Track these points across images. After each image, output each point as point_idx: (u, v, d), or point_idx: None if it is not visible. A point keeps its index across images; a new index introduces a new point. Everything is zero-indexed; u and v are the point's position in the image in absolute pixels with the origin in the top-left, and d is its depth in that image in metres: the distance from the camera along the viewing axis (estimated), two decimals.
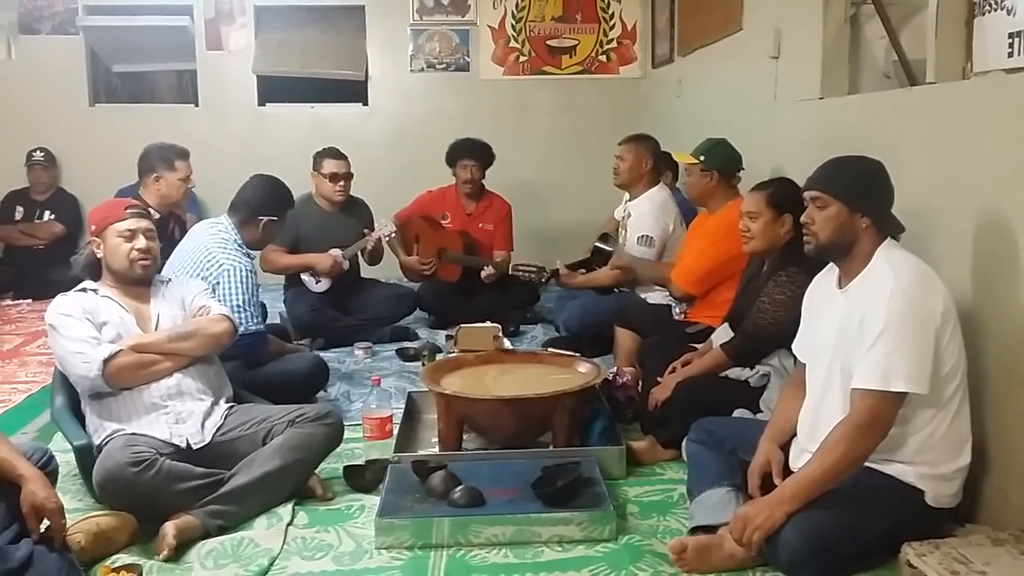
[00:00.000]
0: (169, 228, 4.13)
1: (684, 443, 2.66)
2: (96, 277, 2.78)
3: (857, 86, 3.38)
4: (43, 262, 5.61)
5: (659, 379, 3.03)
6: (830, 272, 2.33)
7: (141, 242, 2.72)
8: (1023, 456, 2.18)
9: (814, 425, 2.23)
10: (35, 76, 6.34)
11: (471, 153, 4.96)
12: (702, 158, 3.50)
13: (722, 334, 3.00)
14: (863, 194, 2.19)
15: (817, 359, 2.29)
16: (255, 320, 3.29)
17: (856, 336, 2.10)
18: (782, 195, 2.81)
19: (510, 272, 4.62)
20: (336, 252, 4.49)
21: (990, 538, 2.02)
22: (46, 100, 6.34)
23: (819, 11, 3.37)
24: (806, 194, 2.27)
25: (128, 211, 2.75)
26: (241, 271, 3.24)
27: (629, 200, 4.18)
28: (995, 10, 2.40)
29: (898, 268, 2.11)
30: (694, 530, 2.32)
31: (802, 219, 2.28)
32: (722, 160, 3.51)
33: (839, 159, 2.29)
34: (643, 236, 3.95)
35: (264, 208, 3.46)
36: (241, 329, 3.01)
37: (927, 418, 2.11)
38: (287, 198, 3.59)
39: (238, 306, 3.17)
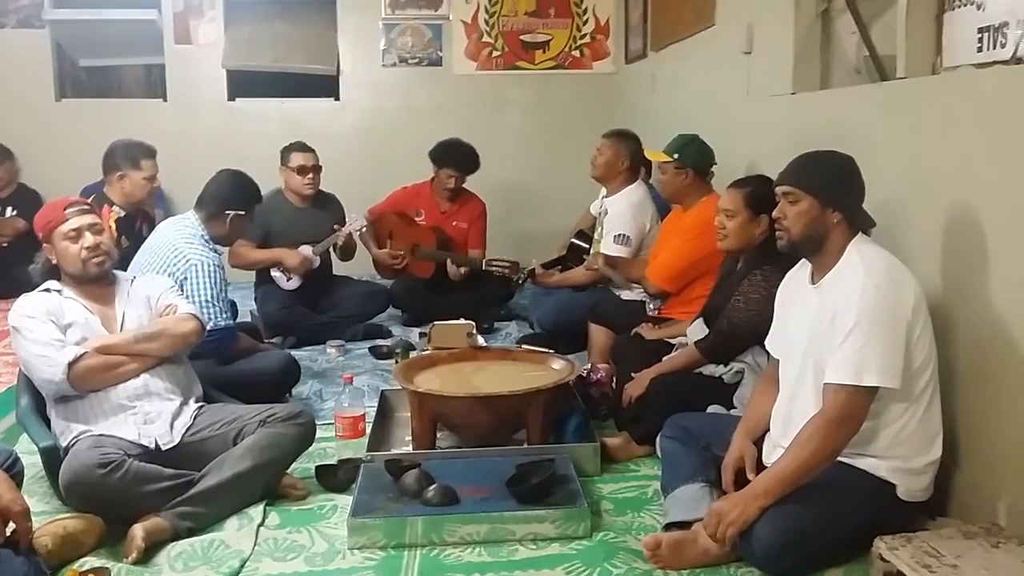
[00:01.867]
0: (137, 225, 4.06)
1: (658, 439, 2.67)
2: (58, 280, 2.73)
3: (829, 81, 3.40)
4: (6, 259, 5.48)
5: (633, 375, 3.02)
6: (802, 268, 2.33)
7: (88, 239, 2.65)
8: (993, 450, 2.20)
9: (787, 420, 2.23)
10: (0, 70, 6.22)
11: (459, 165, 4.87)
12: (676, 156, 3.49)
13: (696, 329, 3.00)
14: (834, 189, 2.20)
15: (790, 355, 2.30)
16: (224, 316, 3.25)
17: (828, 331, 2.11)
18: (760, 195, 2.77)
19: (483, 268, 4.60)
20: (306, 249, 4.45)
21: (961, 531, 2.04)
22: (11, 94, 6.23)
23: (791, 7, 3.38)
24: (777, 189, 2.27)
25: (68, 210, 2.68)
26: (208, 266, 3.20)
27: (606, 196, 4.17)
28: (965, 5, 2.41)
29: (870, 263, 2.12)
30: (668, 526, 2.32)
31: (774, 214, 2.28)
32: (696, 157, 3.50)
33: (810, 154, 2.29)
34: (620, 235, 3.94)
35: (231, 202, 3.42)
36: (209, 325, 2.97)
37: (899, 412, 2.12)
38: (254, 192, 3.55)
39: (206, 301, 3.13)
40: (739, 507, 2.09)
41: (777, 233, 2.27)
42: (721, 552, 2.18)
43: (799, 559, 2.08)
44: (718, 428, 2.49)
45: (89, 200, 3.21)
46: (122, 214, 3.97)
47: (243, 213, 3.47)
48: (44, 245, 2.71)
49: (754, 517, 2.07)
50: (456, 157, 4.90)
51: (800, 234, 2.21)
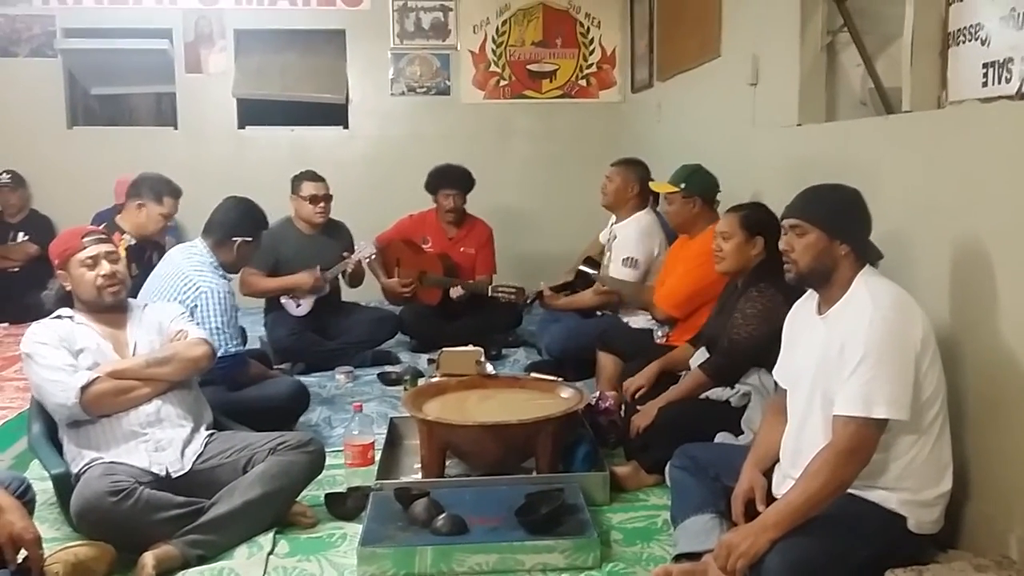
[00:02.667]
0: (147, 254, 4.10)
1: (667, 468, 2.67)
2: (71, 307, 2.75)
3: (834, 113, 3.43)
4: (19, 285, 5.54)
5: (639, 407, 3.04)
6: (809, 299, 2.34)
7: (105, 267, 2.69)
8: (1003, 482, 2.19)
9: (796, 451, 2.23)
10: (12, 98, 6.29)
11: (452, 183, 4.96)
12: (683, 185, 3.53)
13: (699, 359, 3.02)
14: (841, 221, 2.22)
15: (798, 385, 2.30)
16: (234, 342, 3.27)
17: (836, 363, 2.11)
18: (755, 218, 2.92)
19: (490, 294, 4.62)
20: (316, 271, 4.48)
21: (972, 564, 2.03)
22: (23, 122, 6.29)
23: (796, 39, 3.42)
24: (784, 222, 2.29)
25: (86, 239, 2.72)
26: (218, 293, 3.23)
27: (615, 223, 4.20)
28: (969, 41, 2.44)
29: (877, 295, 2.13)
30: (678, 557, 2.32)
31: (781, 246, 2.29)
32: (703, 185, 3.55)
33: (817, 187, 2.31)
34: (628, 258, 3.96)
35: (238, 229, 3.45)
36: (220, 352, 2.99)
37: (908, 444, 2.12)
38: (260, 219, 3.59)
39: (216, 328, 3.15)
40: (749, 539, 2.08)
41: (785, 266, 2.29)
42: None
43: None
44: (728, 458, 2.49)
45: (103, 228, 3.24)
46: (132, 242, 4.00)
47: (250, 240, 3.50)
48: (59, 272, 2.73)
49: (764, 549, 2.06)
50: (449, 177, 4.97)
51: (808, 266, 2.22)
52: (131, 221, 4.06)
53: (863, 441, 2.06)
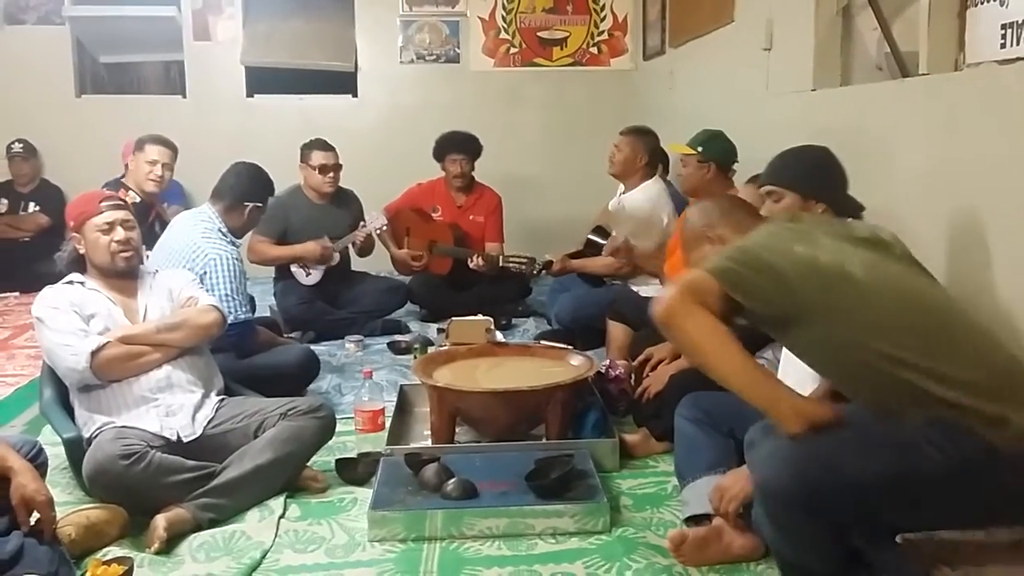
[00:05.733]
0: (149, 219, 4.15)
1: (675, 418, 2.57)
2: (82, 271, 2.76)
3: (849, 78, 3.38)
4: (30, 254, 5.56)
5: (650, 373, 3.02)
6: None
7: (120, 233, 2.69)
8: None
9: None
10: (20, 67, 6.27)
11: (459, 147, 4.94)
12: (699, 148, 3.49)
13: None
14: (812, 181, 2.28)
15: None
16: (243, 310, 3.28)
17: None
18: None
19: (501, 264, 4.61)
20: (326, 241, 4.47)
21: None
22: (32, 91, 6.29)
23: (811, 3, 3.36)
24: (761, 190, 2.36)
25: (103, 203, 2.72)
26: (228, 260, 3.23)
27: (623, 192, 4.17)
28: (988, 1, 2.39)
29: None
30: (688, 520, 2.33)
31: (762, 213, 2.30)
32: (720, 152, 3.50)
33: (787, 151, 2.38)
34: None
35: (250, 194, 3.47)
36: (230, 319, 2.99)
37: None
38: (269, 184, 3.61)
39: (225, 295, 3.16)
40: (739, 482, 2.11)
41: None
42: (744, 548, 2.19)
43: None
44: (741, 411, 2.48)
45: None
46: (137, 199, 4.04)
47: (260, 205, 3.52)
48: (74, 235, 2.74)
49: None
50: (454, 141, 4.95)
51: None
52: (131, 177, 4.20)
53: None
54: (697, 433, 2.45)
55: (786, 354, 2.36)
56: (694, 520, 2.32)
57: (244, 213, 3.45)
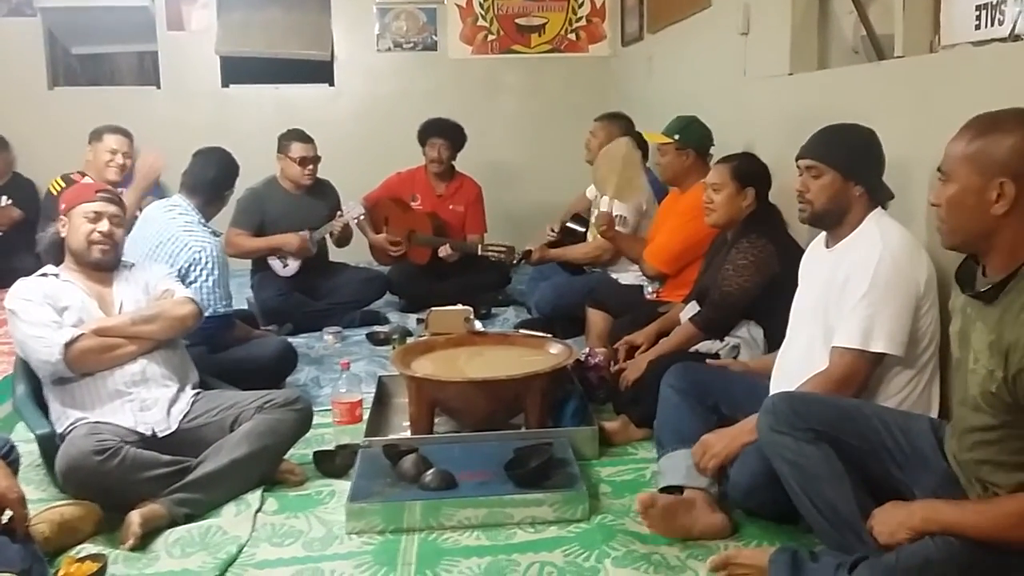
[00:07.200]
0: None
1: (661, 387, 2.58)
2: (59, 260, 2.75)
3: (826, 61, 3.38)
4: (2, 248, 5.48)
5: (627, 361, 3.03)
6: (820, 238, 2.37)
7: (104, 225, 2.69)
8: None
9: (791, 373, 2.25)
10: None
11: (440, 132, 4.91)
12: (676, 136, 3.48)
13: (690, 312, 3.00)
14: (857, 163, 2.24)
15: (801, 316, 2.34)
16: (223, 303, 3.25)
17: (839, 294, 2.16)
18: (746, 169, 2.89)
19: (479, 253, 4.59)
20: (305, 234, 4.44)
21: None
22: (3, 83, 6.17)
23: None
24: (800, 163, 2.31)
25: (98, 194, 2.74)
26: (212, 251, 3.24)
27: None
28: None
29: (888, 234, 2.17)
30: (663, 489, 2.34)
31: (796, 187, 2.31)
32: (697, 137, 3.51)
33: (833, 128, 2.32)
34: (617, 215, 3.92)
35: (226, 182, 3.54)
36: (209, 311, 2.97)
37: (902, 382, 2.16)
38: (236, 165, 3.64)
39: (209, 287, 3.17)
40: (724, 441, 2.17)
41: (800, 206, 2.30)
42: (710, 527, 2.21)
43: (779, 495, 2.04)
44: (729, 386, 2.49)
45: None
46: None
47: (233, 189, 3.61)
48: (62, 217, 2.74)
49: (736, 453, 2.15)
50: (436, 126, 4.93)
51: (823, 207, 2.25)
52: (90, 168, 4.39)
53: (856, 372, 2.11)
54: (681, 404, 2.46)
55: (780, 357, 2.36)
56: (668, 491, 2.33)
57: (223, 201, 3.54)
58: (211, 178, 3.44)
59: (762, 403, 2.05)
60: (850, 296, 2.12)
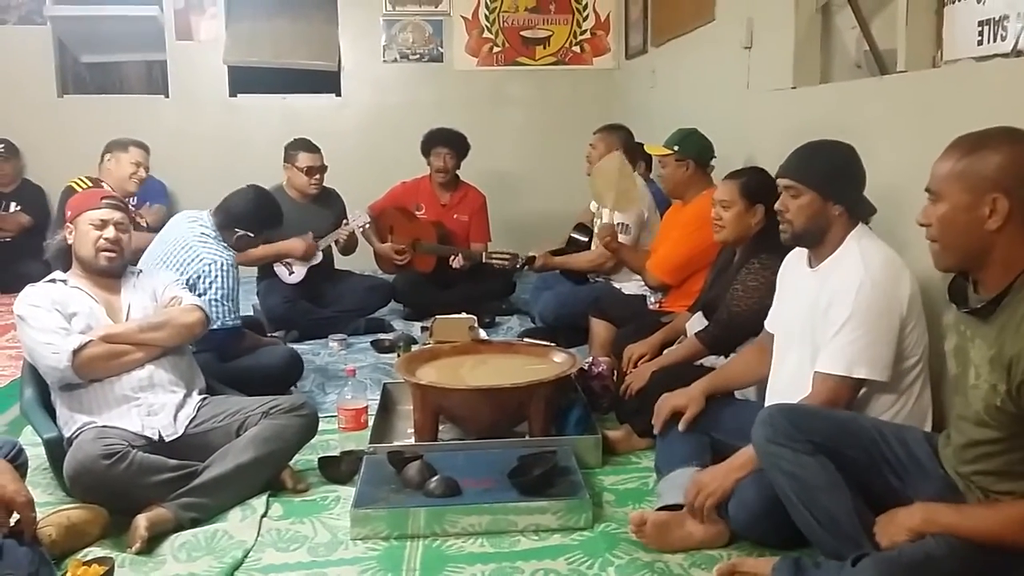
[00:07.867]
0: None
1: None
2: (67, 266, 2.76)
3: (829, 75, 3.40)
4: (11, 254, 5.52)
5: (632, 370, 3.04)
6: (801, 252, 2.36)
7: (110, 232, 2.70)
8: None
9: (780, 396, 2.26)
10: (1, 67, 6.22)
11: (445, 141, 4.95)
12: (676, 148, 3.51)
13: (696, 323, 3.01)
14: (835, 182, 2.22)
15: (788, 334, 2.34)
16: (231, 316, 3.26)
17: (823, 318, 2.17)
18: (755, 185, 2.82)
19: (484, 260, 4.61)
20: (309, 235, 4.46)
21: None
22: (13, 91, 6.23)
23: (791, 1, 3.38)
24: (779, 182, 2.29)
25: (104, 201, 2.75)
26: (222, 265, 3.22)
27: None
28: None
29: (868, 257, 2.15)
30: (660, 509, 2.35)
31: (776, 207, 2.30)
32: (696, 148, 3.52)
33: (811, 146, 2.31)
34: (619, 224, 3.95)
35: (243, 221, 3.41)
36: (218, 324, 2.98)
37: (888, 403, 2.16)
38: (270, 218, 3.55)
39: (215, 300, 3.15)
40: (717, 479, 2.15)
41: (780, 226, 2.30)
42: (705, 536, 2.22)
43: (781, 524, 2.05)
44: (717, 414, 2.50)
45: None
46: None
47: (252, 236, 3.46)
48: (67, 224, 2.75)
49: (730, 490, 2.14)
50: (442, 136, 4.96)
51: (803, 227, 2.24)
52: (110, 178, 4.32)
53: (839, 398, 2.12)
54: (674, 430, 2.49)
55: (772, 378, 2.38)
56: (667, 510, 2.33)
57: (232, 238, 3.39)
58: (230, 206, 3.42)
59: (750, 429, 2.06)
60: (832, 323, 2.12)
